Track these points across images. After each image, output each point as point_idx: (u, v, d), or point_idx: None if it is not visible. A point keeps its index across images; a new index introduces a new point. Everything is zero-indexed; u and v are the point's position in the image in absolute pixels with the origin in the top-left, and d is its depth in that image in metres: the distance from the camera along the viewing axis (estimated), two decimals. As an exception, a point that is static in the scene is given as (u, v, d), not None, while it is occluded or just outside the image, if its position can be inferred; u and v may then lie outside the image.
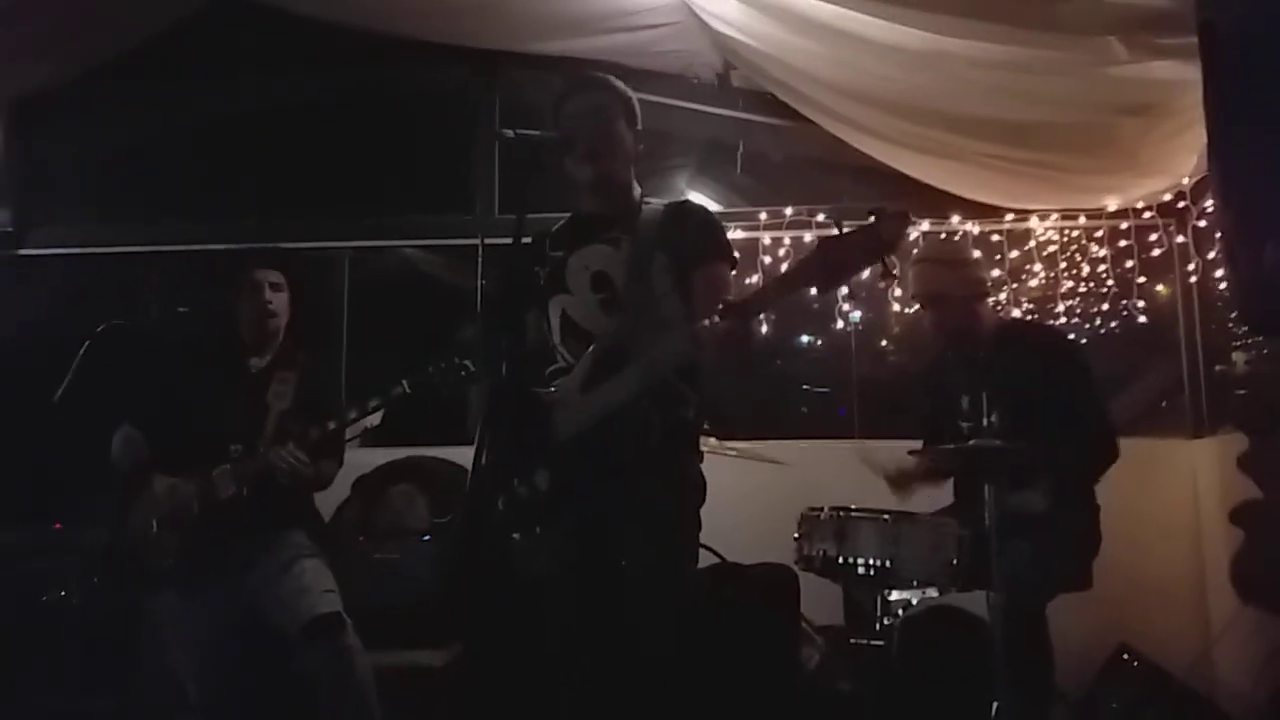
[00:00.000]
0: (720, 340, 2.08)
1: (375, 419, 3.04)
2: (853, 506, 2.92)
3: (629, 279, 2.34)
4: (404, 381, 2.97)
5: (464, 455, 1.91)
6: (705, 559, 3.25)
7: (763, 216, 4.24)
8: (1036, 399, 2.78)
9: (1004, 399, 2.69)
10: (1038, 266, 4.17)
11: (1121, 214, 4.11)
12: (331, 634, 2.85)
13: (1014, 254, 4.17)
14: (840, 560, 2.81)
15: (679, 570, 2.29)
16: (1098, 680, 3.37)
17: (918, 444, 3.09)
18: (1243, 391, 3.85)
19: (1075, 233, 4.18)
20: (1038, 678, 2.75)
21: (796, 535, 3.02)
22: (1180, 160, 3.73)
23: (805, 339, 4.80)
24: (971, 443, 2.68)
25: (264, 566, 2.98)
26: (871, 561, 2.80)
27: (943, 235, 4.10)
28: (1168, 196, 4.01)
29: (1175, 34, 2.83)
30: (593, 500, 2.22)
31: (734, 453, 3.57)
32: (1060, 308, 4.15)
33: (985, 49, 3.16)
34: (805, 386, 4.89)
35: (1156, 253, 4.09)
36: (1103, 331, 4.20)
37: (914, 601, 2.96)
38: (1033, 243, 4.18)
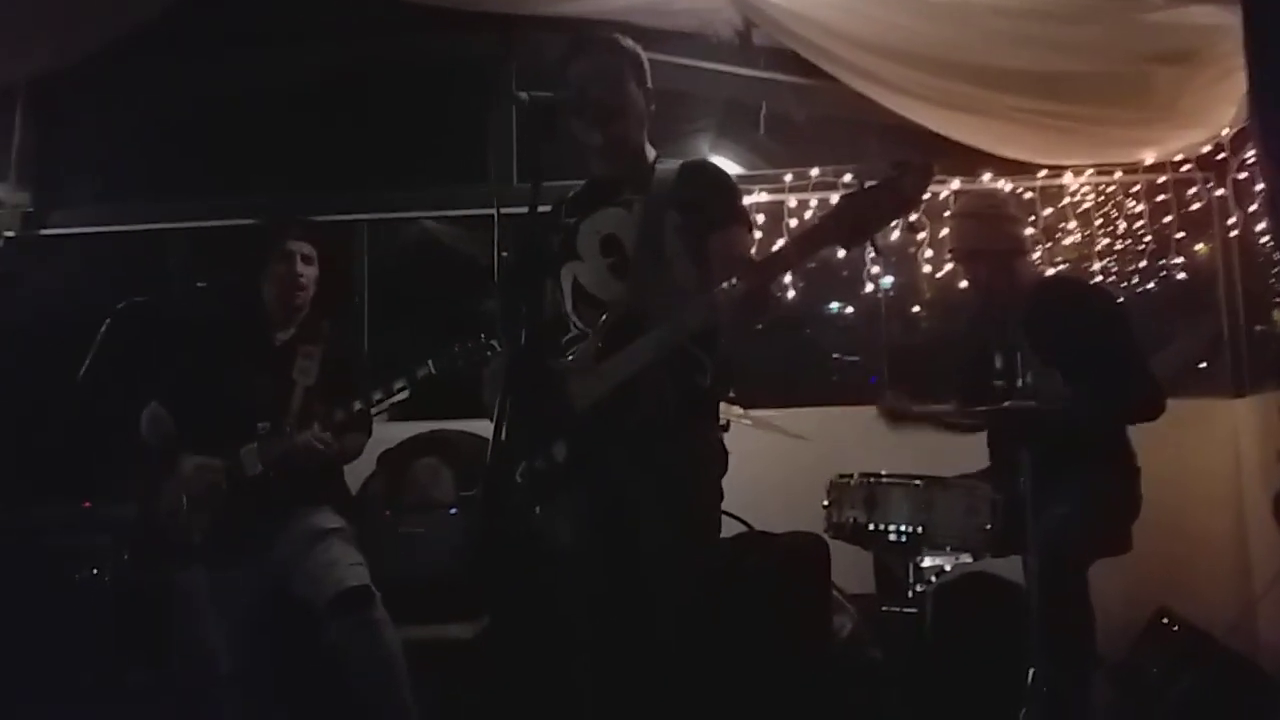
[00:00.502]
0: (738, 304, 2.03)
1: (402, 395, 3.03)
2: (883, 472, 2.87)
3: (640, 242, 2.29)
4: (430, 362, 2.97)
5: (489, 429, 1.88)
6: (734, 528, 3.24)
7: (787, 179, 4.15)
8: (1078, 356, 2.71)
9: (1043, 357, 2.62)
10: (1072, 224, 4.07)
11: (1159, 168, 3.99)
12: (360, 607, 2.85)
13: (1047, 212, 4.07)
14: (870, 527, 2.77)
15: (696, 539, 2.24)
16: (1137, 645, 3.32)
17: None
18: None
19: (1111, 188, 4.07)
20: (1076, 644, 2.69)
21: (826, 503, 2.97)
22: (1219, 110, 3.61)
23: (834, 306, 4.73)
24: (1006, 404, 2.61)
25: (291, 541, 2.98)
26: (903, 528, 2.75)
27: (984, 189, 3.99)
28: (1206, 148, 3.88)
29: (1213, -24, 2.73)
30: (609, 470, 2.18)
31: (749, 422, 3.52)
32: (1096, 266, 4.05)
33: (1011, -5, 3.07)
34: (835, 355, 4.83)
35: (1195, 207, 3.97)
36: (1140, 290, 4.10)
37: (947, 568, 2.91)
38: (1067, 200, 4.08)
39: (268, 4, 4.27)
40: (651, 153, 2.45)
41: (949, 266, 3.90)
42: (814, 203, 4.14)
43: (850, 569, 3.27)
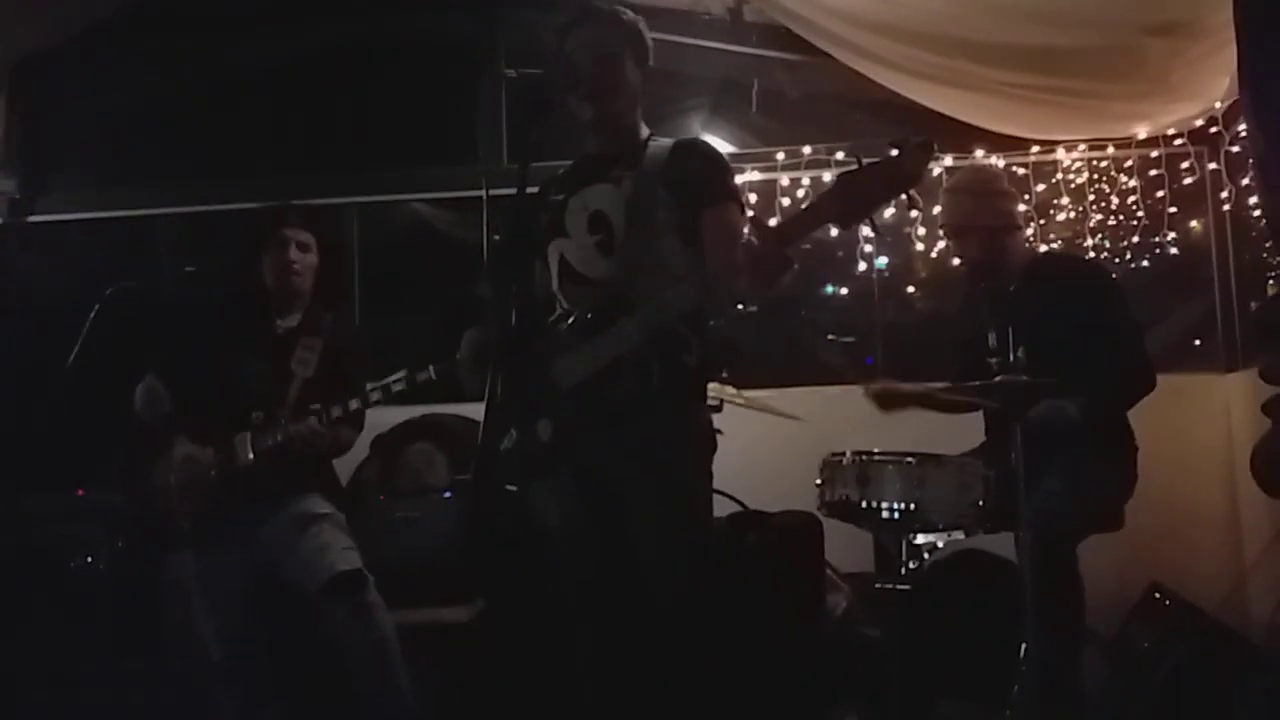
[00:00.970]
0: (751, 270, 2.00)
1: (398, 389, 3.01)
2: (876, 450, 2.86)
3: (628, 218, 2.27)
4: (431, 367, 2.93)
5: (482, 412, 1.87)
6: (727, 507, 3.24)
7: (780, 157, 4.13)
8: (1070, 332, 2.70)
9: (1035, 333, 2.61)
10: (1065, 200, 4.06)
11: (1151, 142, 3.96)
12: (353, 591, 2.85)
13: (1040, 188, 4.06)
14: (863, 504, 2.75)
15: (682, 518, 2.23)
16: (1128, 619, 3.32)
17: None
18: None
19: (1103, 163, 4.05)
20: (1067, 620, 2.70)
21: (819, 481, 2.97)
22: (1212, 83, 3.57)
23: (829, 288, 4.72)
24: (998, 379, 2.60)
25: (280, 527, 2.97)
26: (896, 505, 2.73)
27: (977, 164, 3.97)
28: (1199, 122, 3.85)
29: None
30: (593, 449, 2.17)
31: (741, 401, 3.51)
32: (1089, 242, 4.04)
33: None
34: (830, 337, 4.81)
35: (1188, 182, 3.95)
36: (1133, 265, 4.09)
37: (940, 545, 2.91)
38: (1059, 175, 4.06)
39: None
40: (645, 130, 2.42)
41: (942, 245, 3.89)
42: (807, 181, 4.12)
43: (845, 548, 3.27)
